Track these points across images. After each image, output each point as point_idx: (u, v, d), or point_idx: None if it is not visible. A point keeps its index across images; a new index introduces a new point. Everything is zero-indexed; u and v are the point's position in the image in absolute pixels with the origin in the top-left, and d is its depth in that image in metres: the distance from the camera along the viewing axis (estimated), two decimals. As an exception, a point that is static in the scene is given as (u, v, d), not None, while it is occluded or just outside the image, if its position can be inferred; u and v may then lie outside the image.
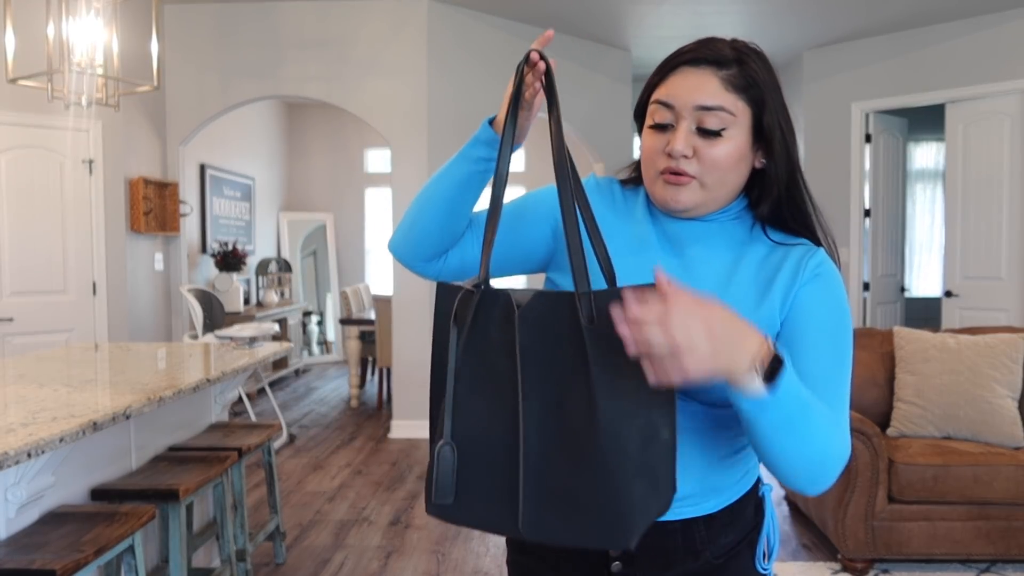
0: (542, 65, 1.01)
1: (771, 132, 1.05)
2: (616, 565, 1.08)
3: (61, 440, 1.75)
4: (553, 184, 1.04)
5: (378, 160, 9.14)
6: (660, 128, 1.05)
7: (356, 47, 5.46)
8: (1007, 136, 5.42)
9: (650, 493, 0.90)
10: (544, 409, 0.94)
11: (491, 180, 1.08)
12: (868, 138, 6.31)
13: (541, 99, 1.05)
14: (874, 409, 3.57)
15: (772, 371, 0.87)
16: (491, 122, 1.09)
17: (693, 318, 0.81)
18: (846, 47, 6.39)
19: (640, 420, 0.90)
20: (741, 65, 1.03)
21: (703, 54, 1.04)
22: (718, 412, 1.04)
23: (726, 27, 6.12)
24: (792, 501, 3.98)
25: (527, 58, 1.01)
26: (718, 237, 1.09)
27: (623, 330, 0.82)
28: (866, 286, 6.38)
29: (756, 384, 0.86)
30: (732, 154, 1.03)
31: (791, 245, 1.08)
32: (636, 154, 6.79)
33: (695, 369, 0.81)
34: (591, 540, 0.93)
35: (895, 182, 6.63)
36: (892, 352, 3.62)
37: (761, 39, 6.64)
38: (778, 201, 1.08)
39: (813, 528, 3.68)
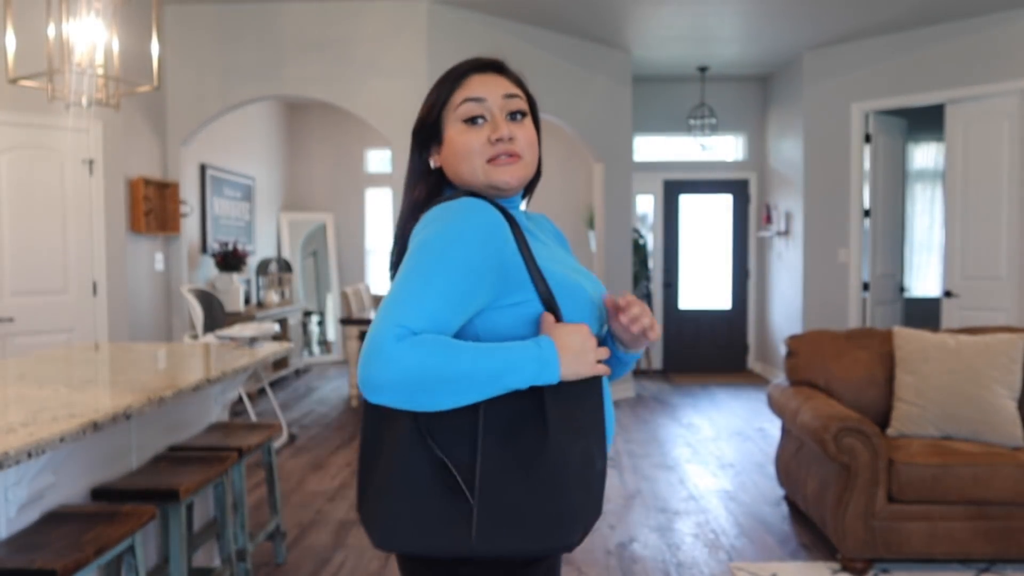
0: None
1: (539, 124, 1.29)
2: None
3: (61, 440, 1.76)
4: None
5: (378, 160, 9.14)
6: (472, 122, 1.21)
7: (357, 47, 5.46)
8: (1007, 136, 5.42)
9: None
10: None
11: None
12: (868, 138, 6.31)
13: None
14: (874, 409, 3.57)
15: None
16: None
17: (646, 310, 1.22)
18: (846, 47, 6.39)
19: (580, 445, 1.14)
20: (510, 72, 1.28)
21: (484, 62, 1.27)
22: None
23: (726, 28, 6.13)
24: (792, 501, 3.98)
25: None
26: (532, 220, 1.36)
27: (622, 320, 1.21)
28: (866, 286, 6.38)
29: None
30: (534, 134, 1.25)
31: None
32: (636, 154, 6.77)
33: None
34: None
35: (895, 182, 6.63)
36: (892, 352, 3.62)
37: (761, 39, 6.70)
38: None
39: (812, 528, 3.68)
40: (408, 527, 1.07)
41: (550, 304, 1.15)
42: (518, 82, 1.27)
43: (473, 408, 1.08)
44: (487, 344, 1.06)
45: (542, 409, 1.09)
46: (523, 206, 1.35)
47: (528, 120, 1.25)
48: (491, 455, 1.07)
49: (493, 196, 1.22)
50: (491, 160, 1.20)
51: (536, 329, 1.15)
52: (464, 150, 1.20)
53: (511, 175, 1.20)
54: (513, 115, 1.23)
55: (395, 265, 1.25)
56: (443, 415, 1.08)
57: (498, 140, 1.20)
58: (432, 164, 1.27)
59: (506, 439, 1.08)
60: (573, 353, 1.09)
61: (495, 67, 1.27)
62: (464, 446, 1.08)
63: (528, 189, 1.32)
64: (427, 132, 1.26)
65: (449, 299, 1.05)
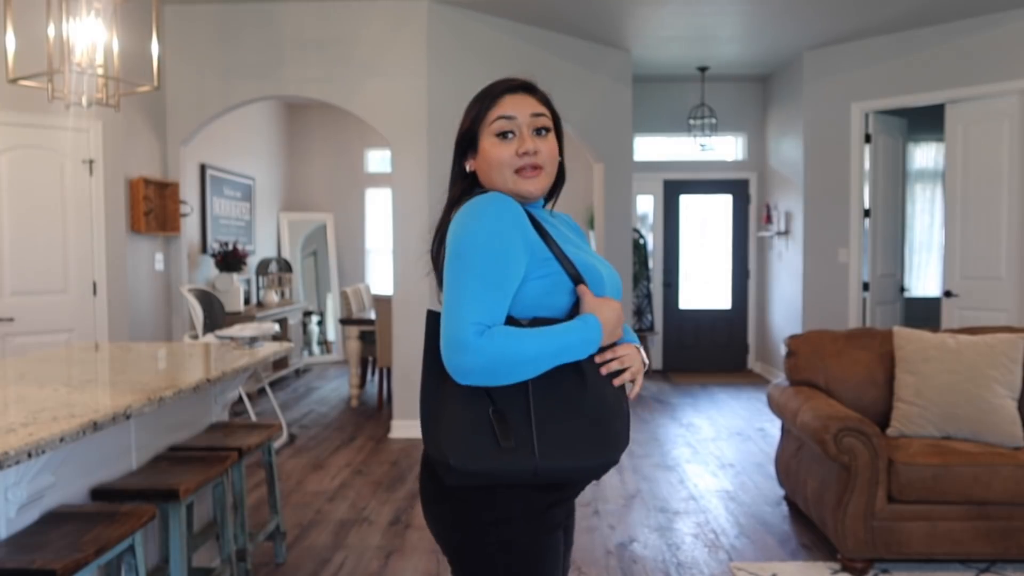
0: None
1: (562, 138, 1.50)
2: None
3: (61, 440, 1.76)
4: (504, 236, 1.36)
5: (378, 160, 9.14)
6: (503, 137, 1.43)
7: (356, 47, 5.46)
8: (1007, 136, 5.42)
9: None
10: None
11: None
12: (868, 138, 6.31)
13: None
14: (874, 409, 3.57)
15: None
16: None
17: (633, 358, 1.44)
18: (846, 47, 6.39)
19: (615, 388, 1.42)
20: (539, 92, 1.48)
21: (516, 84, 1.47)
22: None
23: (726, 27, 6.12)
24: (792, 501, 3.98)
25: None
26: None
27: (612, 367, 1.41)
28: (866, 286, 6.38)
29: None
30: (555, 148, 1.47)
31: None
32: (636, 154, 6.82)
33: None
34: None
35: (895, 182, 6.63)
36: (892, 352, 3.62)
37: (761, 39, 6.69)
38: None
39: (812, 528, 3.68)
40: (482, 454, 1.29)
41: (576, 277, 1.38)
42: (545, 101, 1.48)
43: None
44: (544, 328, 1.32)
45: (579, 365, 1.34)
46: (548, 207, 1.55)
47: (551, 135, 1.46)
48: (541, 402, 1.31)
49: (519, 201, 1.40)
50: (518, 171, 1.41)
51: (561, 296, 1.37)
52: (496, 161, 1.42)
53: (534, 185, 1.42)
54: (539, 131, 1.44)
55: (434, 253, 1.46)
56: None
57: (524, 153, 1.41)
58: (467, 168, 1.49)
59: (551, 389, 1.32)
60: (611, 327, 1.37)
61: (526, 87, 1.48)
62: (517, 397, 1.31)
63: (553, 193, 1.54)
64: (466, 142, 1.48)
65: (502, 289, 1.31)
